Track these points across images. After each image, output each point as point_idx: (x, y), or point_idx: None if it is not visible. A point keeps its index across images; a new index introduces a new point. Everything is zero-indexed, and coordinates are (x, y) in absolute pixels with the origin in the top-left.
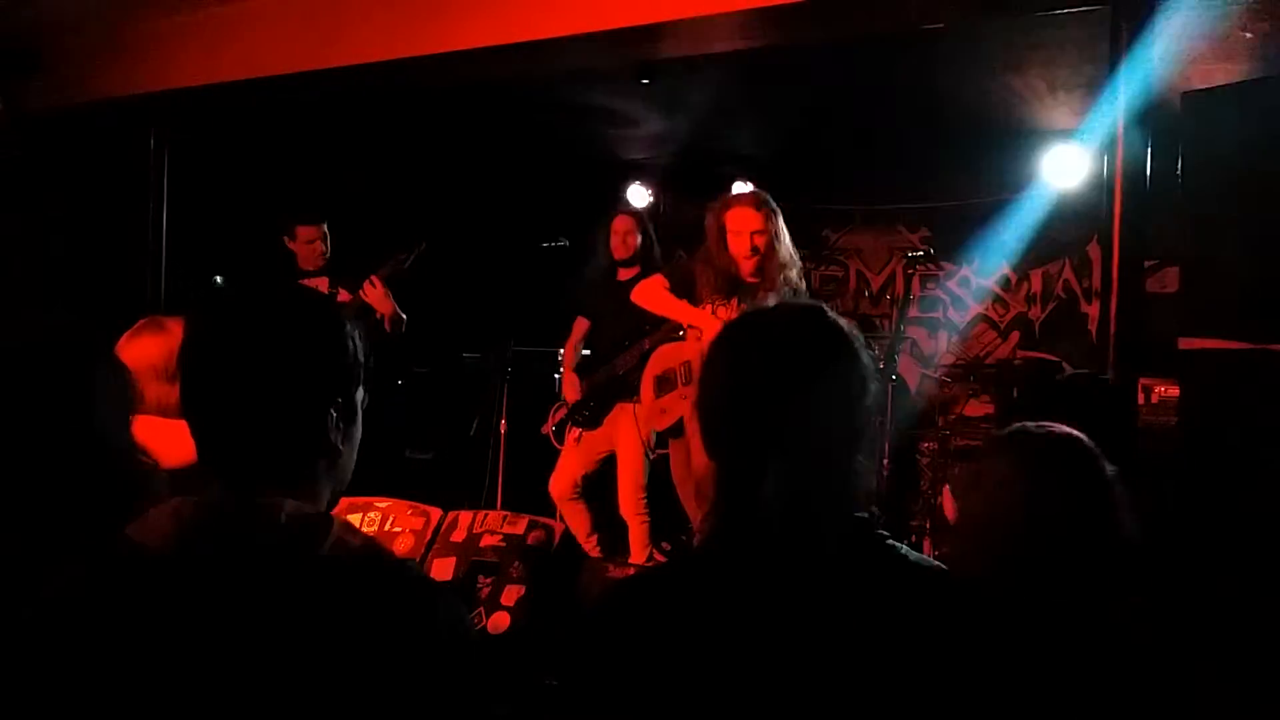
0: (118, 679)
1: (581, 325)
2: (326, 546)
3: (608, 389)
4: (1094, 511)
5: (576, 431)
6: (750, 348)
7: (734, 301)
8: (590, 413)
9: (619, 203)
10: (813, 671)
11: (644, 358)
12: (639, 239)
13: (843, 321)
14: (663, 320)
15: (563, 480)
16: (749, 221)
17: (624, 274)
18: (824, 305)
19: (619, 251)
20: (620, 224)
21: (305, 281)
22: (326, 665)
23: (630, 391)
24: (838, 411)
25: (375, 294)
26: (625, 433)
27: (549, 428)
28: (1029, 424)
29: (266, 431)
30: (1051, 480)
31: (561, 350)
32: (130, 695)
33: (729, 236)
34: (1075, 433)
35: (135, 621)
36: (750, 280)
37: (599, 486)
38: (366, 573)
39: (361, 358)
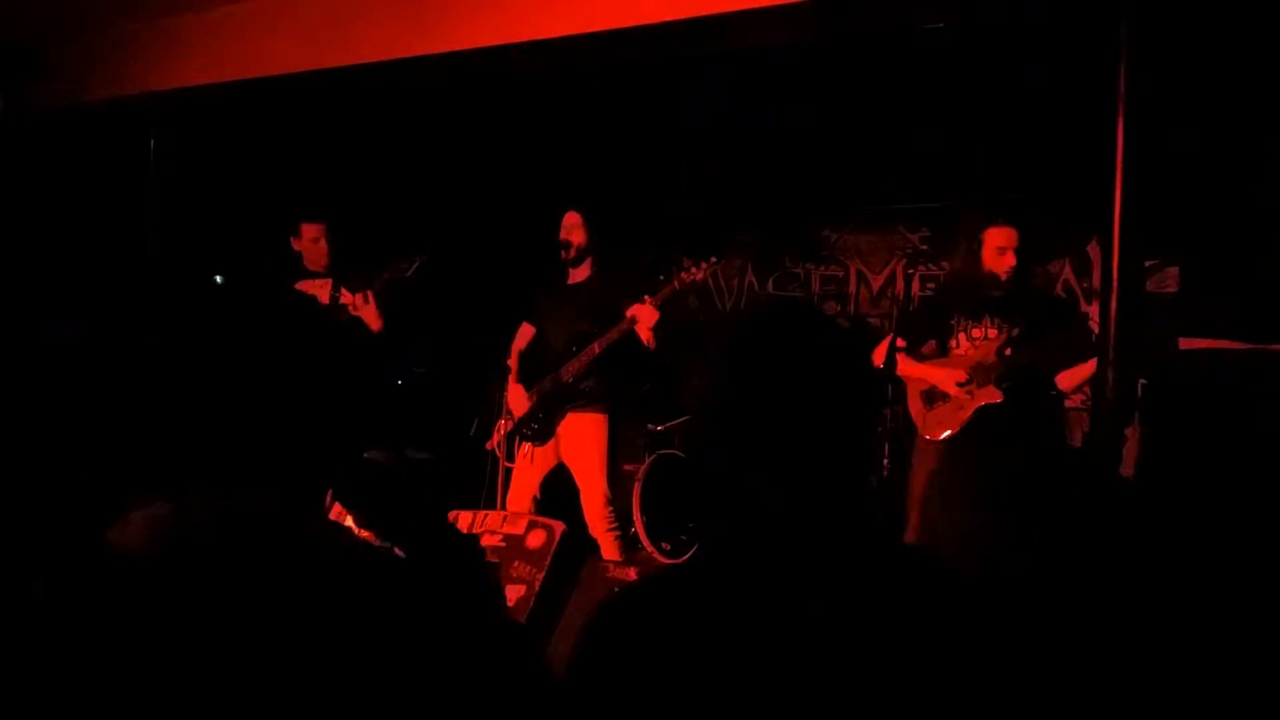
0: (97, 684)
1: (526, 332)
2: (307, 544)
3: (555, 398)
4: None
5: (526, 447)
6: (755, 345)
7: (985, 320)
8: (540, 425)
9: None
10: (818, 676)
11: (594, 363)
12: (585, 237)
13: (845, 322)
14: (613, 322)
15: (521, 499)
16: (1010, 239)
17: (574, 276)
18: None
19: (564, 250)
20: (566, 219)
21: (309, 283)
22: (309, 663)
23: (581, 399)
24: (840, 411)
25: (367, 311)
26: (583, 442)
27: (494, 443)
28: None
29: (247, 434)
30: None
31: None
32: (110, 700)
33: (987, 253)
34: None
35: (115, 626)
36: (997, 295)
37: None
38: (348, 568)
39: (342, 356)
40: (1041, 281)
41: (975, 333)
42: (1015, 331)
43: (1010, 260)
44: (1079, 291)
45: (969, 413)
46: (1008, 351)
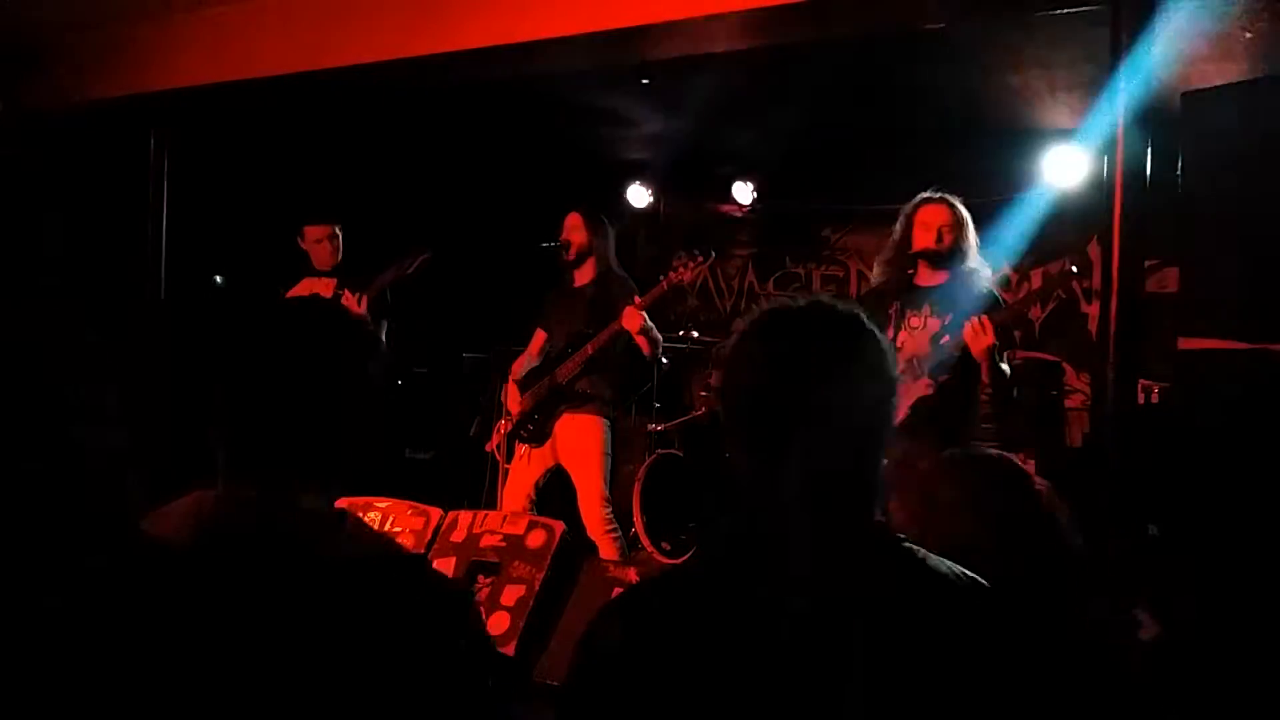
0: (134, 672)
1: (539, 338)
2: (341, 542)
3: (550, 399)
4: (1039, 524)
5: (523, 448)
6: (779, 341)
7: (924, 309)
8: (535, 426)
9: (619, 203)
10: (830, 682)
11: (587, 364)
12: (586, 238)
13: (872, 323)
14: (605, 322)
15: (516, 498)
16: (940, 216)
17: (579, 278)
18: (857, 306)
19: (565, 251)
20: (567, 221)
21: (313, 281)
22: (341, 659)
23: (576, 399)
24: (862, 412)
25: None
26: (579, 444)
27: (494, 445)
28: (962, 450)
29: (300, 433)
30: (999, 499)
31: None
32: (147, 688)
33: (917, 231)
34: (1005, 454)
35: (152, 615)
36: (930, 283)
37: (564, 496)
38: (380, 568)
39: (383, 362)
40: (977, 272)
41: (914, 322)
42: (948, 319)
43: (935, 239)
44: (1079, 291)
45: (903, 411)
46: (944, 340)
